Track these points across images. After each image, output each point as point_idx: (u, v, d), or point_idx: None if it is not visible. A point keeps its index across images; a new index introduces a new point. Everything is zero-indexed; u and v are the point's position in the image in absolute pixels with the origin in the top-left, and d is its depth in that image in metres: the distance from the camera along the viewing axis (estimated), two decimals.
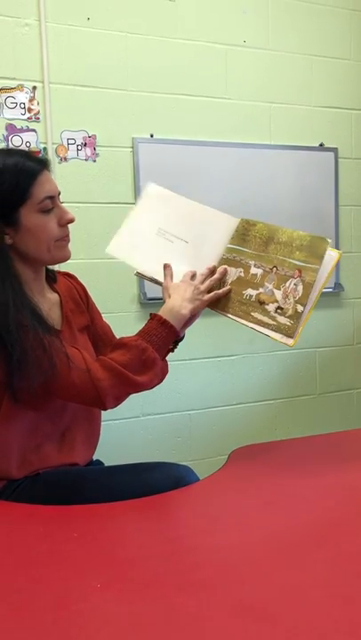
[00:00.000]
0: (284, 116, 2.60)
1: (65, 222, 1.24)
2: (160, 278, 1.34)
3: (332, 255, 1.29)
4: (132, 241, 1.37)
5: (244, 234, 1.32)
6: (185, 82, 2.42)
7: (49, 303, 1.29)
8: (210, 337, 2.51)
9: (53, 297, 1.33)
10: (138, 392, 1.23)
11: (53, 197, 1.21)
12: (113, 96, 2.31)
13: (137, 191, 2.34)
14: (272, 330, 1.25)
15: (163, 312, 1.26)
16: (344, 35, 2.69)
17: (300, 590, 0.75)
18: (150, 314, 1.27)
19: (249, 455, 1.29)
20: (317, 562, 0.82)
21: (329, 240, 1.25)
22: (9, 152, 1.22)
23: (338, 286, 2.71)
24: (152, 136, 2.37)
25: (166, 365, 1.44)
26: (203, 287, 1.28)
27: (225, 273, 1.30)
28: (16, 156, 1.18)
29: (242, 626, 0.69)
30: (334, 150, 2.67)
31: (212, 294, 1.29)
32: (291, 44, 2.59)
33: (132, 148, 2.34)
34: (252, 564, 0.83)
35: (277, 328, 1.25)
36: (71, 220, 1.24)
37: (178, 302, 1.25)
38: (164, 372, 1.28)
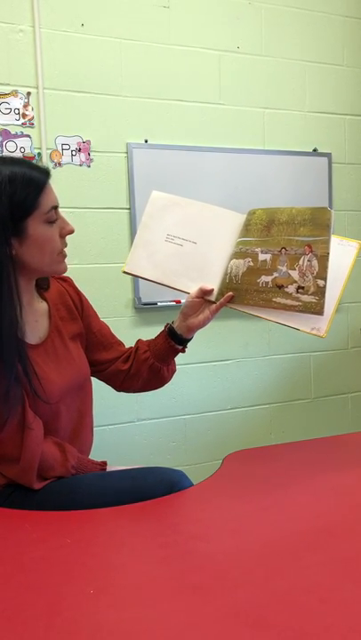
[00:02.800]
0: (278, 122, 2.61)
1: (65, 233, 1.23)
2: (176, 286, 1.34)
3: (352, 245, 1.26)
4: (145, 254, 1.35)
5: (247, 225, 1.29)
6: (179, 87, 2.43)
7: (36, 314, 1.27)
8: (205, 341, 2.51)
9: (42, 306, 1.30)
10: None
11: (57, 208, 1.20)
12: (107, 101, 2.32)
13: (131, 196, 2.35)
14: (300, 311, 1.19)
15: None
16: (337, 41, 2.70)
17: (295, 595, 0.75)
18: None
19: (243, 460, 1.29)
20: (311, 566, 0.82)
21: (331, 209, 1.21)
22: (14, 161, 1.19)
23: None
24: (146, 141, 2.38)
25: (174, 365, 1.46)
26: None
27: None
28: (23, 166, 1.16)
29: (236, 631, 0.68)
30: (328, 155, 2.69)
31: (217, 304, 1.31)
32: (284, 49, 2.60)
33: (127, 153, 2.35)
34: (246, 569, 0.83)
35: (305, 307, 1.19)
36: (71, 232, 1.24)
37: None
38: None
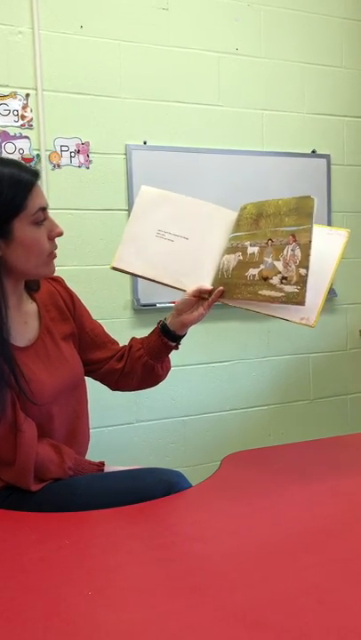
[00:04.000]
0: (277, 123, 2.62)
1: (54, 235, 1.22)
2: (167, 281, 1.31)
3: (341, 234, 1.25)
4: (134, 250, 1.32)
5: (238, 220, 1.29)
6: (178, 89, 2.43)
7: (25, 316, 1.26)
8: (203, 343, 2.51)
9: (31, 308, 1.29)
10: None
11: (45, 209, 1.19)
12: (106, 103, 2.32)
13: (130, 198, 2.35)
14: (283, 302, 1.17)
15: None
16: (336, 42, 2.71)
17: (292, 597, 0.75)
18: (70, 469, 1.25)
19: (241, 461, 1.29)
20: (310, 568, 0.83)
21: (314, 197, 1.18)
22: (2, 162, 1.17)
23: (331, 291, 2.72)
24: (145, 143, 2.38)
25: (169, 362, 1.45)
26: None
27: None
28: (11, 167, 1.16)
29: (234, 633, 0.69)
30: (327, 157, 2.69)
31: (209, 300, 1.29)
32: (283, 51, 2.61)
33: (126, 154, 2.35)
34: (244, 570, 0.83)
35: (287, 298, 1.17)
36: (60, 234, 1.22)
37: None
38: None
